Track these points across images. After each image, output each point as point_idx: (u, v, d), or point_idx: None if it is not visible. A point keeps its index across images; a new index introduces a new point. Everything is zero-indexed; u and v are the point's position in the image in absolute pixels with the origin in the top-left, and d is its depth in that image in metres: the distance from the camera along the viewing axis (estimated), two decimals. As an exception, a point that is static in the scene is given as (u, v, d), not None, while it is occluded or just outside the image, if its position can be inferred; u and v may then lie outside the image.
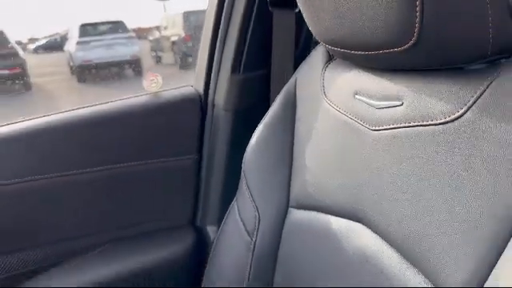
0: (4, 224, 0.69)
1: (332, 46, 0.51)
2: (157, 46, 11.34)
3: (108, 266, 0.76)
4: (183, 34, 10.77)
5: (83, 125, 0.74)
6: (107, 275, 0.75)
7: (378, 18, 0.40)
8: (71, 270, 0.73)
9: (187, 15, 10.32)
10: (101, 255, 0.76)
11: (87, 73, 9.45)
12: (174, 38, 10.84)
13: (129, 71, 9.51)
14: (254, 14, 0.76)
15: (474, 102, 0.40)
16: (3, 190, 0.66)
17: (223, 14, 0.80)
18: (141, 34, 12.62)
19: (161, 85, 0.81)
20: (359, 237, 0.52)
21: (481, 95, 0.40)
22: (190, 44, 10.82)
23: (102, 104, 0.77)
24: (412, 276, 0.43)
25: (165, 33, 11.44)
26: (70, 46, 10.12)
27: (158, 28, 12.06)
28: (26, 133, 0.70)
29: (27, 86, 8.99)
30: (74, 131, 0.73)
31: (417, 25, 0.38)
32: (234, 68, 0.80)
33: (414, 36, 0.39)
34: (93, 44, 9.62)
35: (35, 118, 0.74)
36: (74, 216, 0.74)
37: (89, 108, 0.76)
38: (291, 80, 0.67)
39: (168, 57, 10.50)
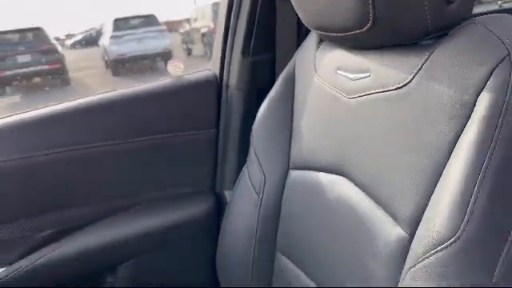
0: (58, 186, 0.84)
1: (316, 29, 0.61)
2: (187, 39, 11.48)
3: (141, 223, 0.90)
4: (212, 26, 10.88)
5: (123, 103, 0.88)
6: (139, 231, 0.89)
7: (342, 5, 0.51)
8: (111, 225, 0.88)
9: (216, 6, 10.41)
10: (135, 214, 0.90)
11: (121, 66, 9.70)
12: (203, 30, 10.93)
13: (160, 64, 9.71)
14: (259, 3, 0.87)
15: (419, 70, 0.49)
16: (58, 156, 0.81)
17: (234, 2, 0.92)
18: (171, 26, 12.84)
19: (183, 70, 0.94)
20: (342, 188, 0.63)
21: (423, 64, 0.49)
22: None
23: (138, 86, 0.92)
24: (382, 216, 0.54)
25: (195, 25, 11.58)
26: (105, 40, 10.36)
27: (188, 20, 12.19)
28: (78, 110, 0.85)
29: (66, 81, 9.40)
30: (115, 109, 0.88)
31: (370, 11, 0.48)
32: (244, 52, 0.89)
33: (369, 20, 0.49)
34: (125, 38, 9.84)
35: (84, 97, 0.89)
36: (113, 180, 0.88)
37: (128, 89, 0.91)
38: (291, 61, 0.78)
39: (198, 48, 10.60)
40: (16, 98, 7.68)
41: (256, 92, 0.87)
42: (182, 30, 12.22)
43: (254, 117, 0.79)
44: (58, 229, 0.86)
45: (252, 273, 0.77)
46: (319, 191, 0.66)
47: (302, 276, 0.69)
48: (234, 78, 0.92)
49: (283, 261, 0.74)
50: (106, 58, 10.07)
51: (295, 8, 0.61)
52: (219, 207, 0.95)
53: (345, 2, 0.50)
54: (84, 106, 0.86)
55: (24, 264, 0.81)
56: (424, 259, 0.42)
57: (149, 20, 10.59)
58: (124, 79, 9.43)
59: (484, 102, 0.42)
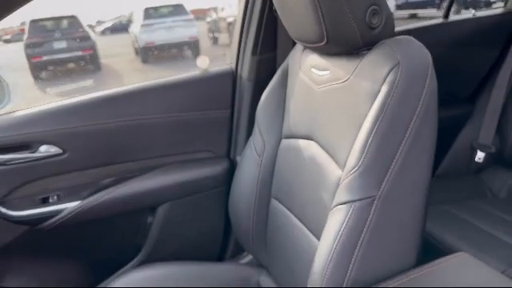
0: (117, 147, 1.16)
1: (296, 40, 0.90)
2: (214, 27, 11.64)
3: (173, 176, 1.20)
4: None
5: (163, 89, 1.19)
6: (172, 182, 1.19)
7: (309, 28, 0.79)
8: (152, 177, 1.19)
9: (242, -3, 10.55)
10: (170, 170, 1.21)
11: (150, 54, 9.97)
12: (229, 19, 11.14)
13: (188, 52, 9.95)
14: (265, 15, 1.16)
15: (354, 70, 0.77)
16: (117, 125, 1.13)
17: (248, 8, 1.21)
18: (199, 15, 13.05)
19: (208, 64, 1.24)
20: (312, 149, 0.92)
21: (356, 67, 0.77)
22: None
23: (174, 76, 1.23)
24: (333, 166, 0.83)
25: (221, 14, 11.77)
26: (135, 28, 10.64)
27: (215, 9, 12.36)
28: (130, 93, 1.16)
29: (98, 67, 9.82)
30: (158, 93, 1.19)
31: (324, 33, 0.77)
32: (253, 52, 1.19)
33: (324, 38, 0.77)
34: (155, 26, 10.06)
35: (128, 85, 1.20)
36: (154, 144, 1.19)
37: (167, 79, 1.22)
38: (286, 59, 1.06)
39: (224, 37, 10.75)
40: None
41: (261, 83, 1.17)
42: (208, 19, 12.37)
43: (259, 100, 1.09)
44: (115, 177, 1.19)
45: (254, 212, 1.07)
46: (298, 152, 0.95)
47: (287, 212, 0.99)
48: (245, 72, 1.22)
49: (275, 203, 1.03)
50: (136, 45, 10.38)
51: (282, 21, 0.90)
52: (232, 168, 1.25)
53: (310, 26, 0.79)
54: (135, 90, 1.18)
55: (91, 200, 1.15)
56: (343, 181, 0.72)
57: (177, 9, 10.72)
58: (152, 66, 9.65)
59: (383, 90, 0.70)
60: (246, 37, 1.21)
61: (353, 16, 0.73)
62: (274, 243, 1.03)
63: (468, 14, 1.55)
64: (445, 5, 1.57)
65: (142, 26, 10.33)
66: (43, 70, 9.17)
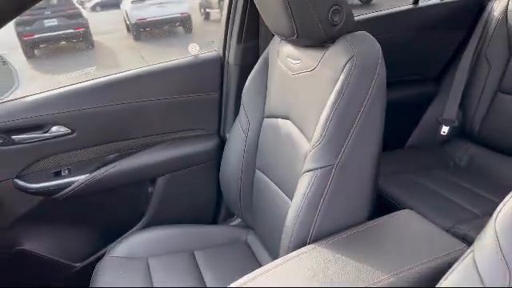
0: (119, 125, 1.30)
1: (273, 33, 1.04)
2: (205, 3, 11.55)
3: (170, 152, 1.35)
4: None
5: (156, 74, 1.33)
6: (169, 157, 1.35)
7: (283, 25, 0.94)
8: (151, 152, 1.34)
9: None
10: (166, 146, 1.36)
11: (142, 31, 9.91)
12: None
13: (179, 28, 9.94)
14: (249, 3, 1.29)
15: (320, 60, 0.93)
16: (120, 107, 1.28)
17: (232, 5, 1.34)
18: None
19: (198, 50, 1.38)
20: (288, 127, 1.08)
21: (322, 57, 0.92)
22: None
23: (165, 62, 1.37)
24: (304, 141, 0.98)
25: None
26: (126, 5, 10.66)
27: (206, -15, 12.19)
28: (124, 79, 1.31)
29: (91, 44, 9.75)
30: (152, 78, 1.33)
31: (295, 29, 0.91)
32: (238, 40, 1.33)
33: (295, 33, 0.92)
34: (147, 3, 9.96)
35: (127, 71, 1.34)
36: (152, 123, 1.35)
37: (159, 64, 1.36)
38: (266, 49, 1.21)
39: (216, 13, 10.72)
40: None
41: (246, 67, 1.31)
42: (199, -5, 12.24)
43: (244, 84, 1.23)
44: (119, 153, 1.34)
45: (240, 181, 1.22)
46: (277, 129, 1.11)
47: (268, 180, 1.15)
48: (232, 58, 1.36)
49: (258, 173, 1.19)
50: (128, 22, 10.25)
51: (261, 15, 1.04)
52: (222, 144, 1.41)
53: (283, 23, 0.93)
54: (134, 75, 1.32)
55: (98, 173, 1.31)
56: (309, 153, 0.88)
57: (168, -16, 10.53)
58: (145, 44, 9.57)
59: (341, 78, 0.85)
60: (232, 26, 1.34)
61: (317, 15, 0.88)
62: (258, 207, 1.20)
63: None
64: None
65: (133, 2, 10.24)
66: (35, 48, 9.06)
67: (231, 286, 0.76)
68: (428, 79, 1.77)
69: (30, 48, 8.92)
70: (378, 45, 0.88)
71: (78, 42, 9.68)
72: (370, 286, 0.72)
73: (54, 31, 8.79)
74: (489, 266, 0.60)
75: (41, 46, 9.02)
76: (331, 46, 0.92)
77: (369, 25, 1.53)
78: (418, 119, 1.74)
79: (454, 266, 0.60)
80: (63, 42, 9.45)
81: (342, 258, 0.79)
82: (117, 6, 12.43)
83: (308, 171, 0.87)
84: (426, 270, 0.75)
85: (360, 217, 0.88)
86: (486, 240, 0.60)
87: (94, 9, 16.37)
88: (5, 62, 1.52)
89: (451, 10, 1.64)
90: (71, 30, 9.36)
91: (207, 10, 11.42)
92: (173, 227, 1.29)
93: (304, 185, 0.87)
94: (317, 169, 0.85)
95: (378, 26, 1.59)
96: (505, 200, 0.60)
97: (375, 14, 1.64)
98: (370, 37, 0.90)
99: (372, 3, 9.28)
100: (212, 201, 1.48)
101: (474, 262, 0.62)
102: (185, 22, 9.74)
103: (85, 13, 10.13)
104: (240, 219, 1.35)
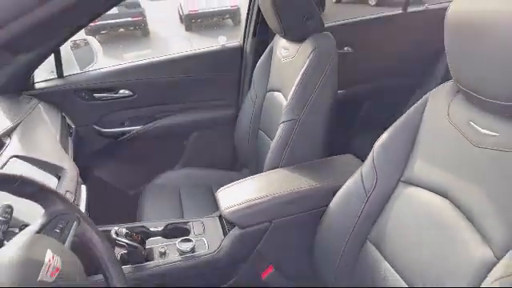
0: (157, 94, 1.81)
1: (273, 30, 1.50)
2: None
3: (198, 115, 1.86)
4: None
5: (189, 59, 1.85)
6: (197, 119, 1.86)
7: (275, 24, 1.41)
8: (182, 115, 1.84)
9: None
10: (196, 110, 1.87)
11: (193, 22, 10.42)
12: None
13: (228, 21, 10.44)
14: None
15: (297, 51, 1.37)
16: (158, 80, 1.79)
17: (251, 2, 1.80)
18: (241, -16, 13.24)
19: (225, 41, 1.87)
20: (279, 98, 1.53)
21: (299, 49, 1.37)
22: None
23: (201, 49, 1.88)
24: (285, 103, 1.43)
25: None
26: None
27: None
28: (170, 60, 1.83)
29: (146, 33, 10.44)
30: (188, 60, 1.83)
31: (282, 28, 1.38)
32: (254, 34, 1.84)
33: (283, 32, 1.40)
34: None
35: (173, 54, 1.86)
36: (187, 93, 1.85)
37: (194, 51, 1.87)
38: (272, 42, 1.66)
39: None
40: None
41: (258, 55, 1.77)
42: (250, -12, 12.51)
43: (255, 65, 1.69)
44: (164, 113, 1.87)
45: (248, 137, 1.65)
46: (273, 99, 1.57)
47: (267, 138, 1.57)
48: (248, 48, 1.85)
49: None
50: (181, 12, 10.93)
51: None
52: (238, 111, 1.88)
53: (276, 24, 1.40)
54: (177, 57, 1.85)
55: (149, 126, 1.83)
56: (284, 109, 1.35)
57: (221, -23, 10.85)
58: (195, 34, 10.04)
59: (306, 63, 1.28)
60: (250, 24, 1.83)
61: (296, 20, 1.34)
62: (259, 161, 1.67)
63: (422, 7, 2.06)
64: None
65: (187, -7, 10.84)
66: (97, 33, 9.77)
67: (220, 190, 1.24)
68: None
69: (92, 34, 9.69)
70: (333, 42, 1.33)
71: (135, 29, 10.42)
72: (293, 190, 1.16)
73: (115, 19, 9.53)
74: (366, 174, 0.94)
75: (102, 32, 9.78)
76: (305, 41, 1.37)
77: (360, 27, 1.96)
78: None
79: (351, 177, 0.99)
80: (121, 30, 10.14)
81: (290, 175, 1.25)
82: (173, -5, 13.03)
83: (282, 122, 1.34)
84: (335, 184, 1.10)
85: (314, 156, 1.34)
86: (369, 157, 0.94)
87: (150, -3, 17.07)
88: (87, 44, 2.09)
89: (435, 17, 2.01)
90: (129, 19, 10.03)
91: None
92: (198, 168, 1.80)
93: (279, 131, 1.34)
94: (287, 121, 1.32)
95: (369, 29, 2.01)
96: (383, 135, 0.92)
97: (368, 17, 2.05)
98: (329, 35, 1.35)
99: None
100: (229, 152, 1.98)
101: (361, 173, 0.97)
102: (234, 14, 10.15)
103: (142, 2, 10.80)
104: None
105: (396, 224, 0.89)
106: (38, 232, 0.72)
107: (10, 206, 0.76)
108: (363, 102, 2.13)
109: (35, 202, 0.77)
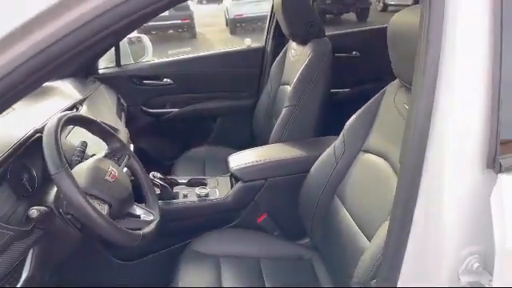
0: (200, 85, 2.23)
1: (285, 34, 1.87)
2: None
3: (224, 103, 2.27)
4: None
5: (219, 57, 2.26)
6: (223, 105, 2.25)
7: (286, 29, 1.79)
8: (213, 102, 2.27)
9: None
10: (223, 99, 2.28)
11: (238, 26, 10.95)
12: None
13: (271, 25, 10.81)
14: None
15: (301, 52, 1.74)
16: (194, 72, 2.22)
17: (272, 9, 2.18)
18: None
19: (251, 42, 2.26)
20: (288, 90, 1.89)
21: (303, 50, 1.75)
22: (328, 1, 11.14)
23: (229, 48, 2.27)
24: (288, 90, 1.78)
25: None
26: (227, 0, 11.64)
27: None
28: (203, 56, 2.26)
29: (194, 35, 10.96)
30: (217, 57, 2.26)
31: (290, 34, 1.75)
32: (273, 37, 2.21)
33: (291, 35, 1.76)
34: (245, 0, 10.87)
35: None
36: (216, 85, 2.25)
37: (222, 50, 2.28)
38: (287, 44, 2.02)
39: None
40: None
41: (276, 55, 2.14)
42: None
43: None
44: (197, 100, 2.28)
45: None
46: (283, 91, 1.93)
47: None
48: (268, 48, 2.24)
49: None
50: (227, 16, 11.49)
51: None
52: (257, 101, 2.23)
53: (286, 29, 1.77)
54: (208, 55, 2.27)
55: (184, 109, 2.25)
56: (289, 94, 1.72)
57: (266, -15, 11.23)
58: (239, 39, 10.44)
59: (306, 61, 1.64)
60: (270, 28, 2.21)
61: (301, 27, 1.71)
62: (267, 139, 2.04)
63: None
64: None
65: (233, -1, 11.25)
66: (148, 33, 10.32)
67: None
68: None
69: (144, 33, 10.26)
70: (329, 46, 1.68)
71: (183, 31, 11.03)
72: (285, 157, 1.52)
73: (164, 21, 10.08)
74: (337, 146, 1.25)
75: (152, 32, 10.35)
76: (307, 44, 1.73)
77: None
78: None
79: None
80: (170, 31, 10.80)
81: (285, 147, 1.62)
82: (220, 1, 13.59)
83: (284, 107, 1.71)
84: (317, 154, 1.38)
85: (307, 135, 1.69)
86: (341, 133, 1.26)
87: (200, 2, 17.87)
88: (140, 41, 2.54)
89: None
90: (178, 21, 10.62)
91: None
92: (222, 147, 2.19)
93: (282, 114, 1.71)
94: (287, 106, 1.69)
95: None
96: (352, 117, 1.32)
97: (366, 28, 2.40)
98: (326, 41, 1.70)
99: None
100: (247, 135, 2.32)
101: (334, 145, 1.28)
102: (278, 20, 10.53)
103: (191, 5, 11.33)
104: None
105: (354, 181, 1.19)
106: (104, 157, 1.13)
107: (85, 142, 1.18)
108: (368, 100, 2.44)
109: (102, 139, 1.19)
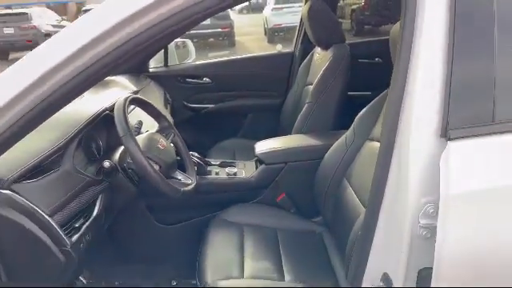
0: (232, 85, 2.53)
1: (312, 41, 2.12)
2: (339, 13, 12.21)
3: (255, 101, 2.55)
4: (363, 3, 11.14)
5: (254, 59, 2.56)
6: (254, 103, 2.54)
7: (313, 37, 2.05)
8: (244, 99, 2.55)
9: (368, -14, 10.79)
10: (254, 98, 2.54)
11: (276, 35, 11.25)
12: (354, 7, 11.46)
13: (308, 35, 11.00)
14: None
15: (324, 55, 1.98)
16: (230, 73, 2.51)
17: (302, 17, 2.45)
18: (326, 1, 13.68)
19: (282, 47, 2.53)
20: (310, 90, 2.13)
21: (325, 54, 1.98)
22: (367, 13, 10.97)
23: (261, 53, 2.55)
24: (310, 90, 2.04)
25: (347, 0, 12.41)
26: (267, 10, 12.06)
27: (341, -3, 12.85)
28: (238, 60, 2.58)
29: (232, 43, 11.42)
30: (250, 61, 2.56)
31: (316, 41, 2.01)
32: (301, 44, 2.45)
33: (316, 42, 2.02)
34: (284, 10, 11.30)
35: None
36: (248, 83, 2.53)
37: (256, 54, 2.57)
38: (314, 49, 2.28)
39: (346, 24, 11.17)
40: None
41: (303, 59, 2.39)
42: (334, 6, 12.89)
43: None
44: (231, 97, 2.58)
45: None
46: (307, 91, 2.17)
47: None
48: (297, 53, 2.50)
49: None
50: (266, 26, 11.88)
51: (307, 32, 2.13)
52: (284, 100, 2.50)
53: (312, 37, 2.04)
54: (243, 58, 2.56)
55: (220, 105, 2.55)
56: (311, 92, 1.97)
57: (304, -4, 11.44)
58: (274, 47, 10.77)
59: (326, 64, 1.89)
60: (299, 35, 2.48)
61: (323, 34, 1.97)
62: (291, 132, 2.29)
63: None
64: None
65: (273, 9, 11.64)
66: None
67: None
68: None
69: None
70: (347, 51, 1.92)
71: (222, 39, 11.49)
72: (303, 145, 1.78)
73: (206, 29, 10.50)
74: (348, 135, 1.46)
75: (194, 40, 10.81)
76: (329, 49, 1.98)
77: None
78: None
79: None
80: (211, 39, 11.31)
81: (305, 137, 1.86)
82: (260, 9, 14.00)
83: (306, 103, 1.96)
84: (331, 143, 1.61)
85: (325, 128, 1.92)
86: (352, 125, 1.49)
87: (241, 11, 18.36)
88: (185, 45, 2.87)
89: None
90: (219, 30, 11.13)
91: (339, 20, 12.12)
92: (251, 140, 2.45)
93: (303, 109, 1.96)
94: (308, 102, 1.94)
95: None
96: (362, 110, 1.60)
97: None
98: (345, 46, 1.94)
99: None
100: (274, 132, 2.58)
101: (346, 135, 1.51)
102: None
103: (232, 14, 11.77)
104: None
105: (360, 165, 1.35)
106: (156, 132, 1.44)
107: (141, 121, 1.49)
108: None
109: (154, 119, 1.50)
